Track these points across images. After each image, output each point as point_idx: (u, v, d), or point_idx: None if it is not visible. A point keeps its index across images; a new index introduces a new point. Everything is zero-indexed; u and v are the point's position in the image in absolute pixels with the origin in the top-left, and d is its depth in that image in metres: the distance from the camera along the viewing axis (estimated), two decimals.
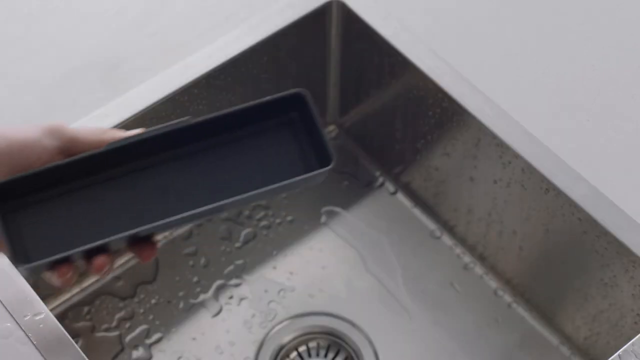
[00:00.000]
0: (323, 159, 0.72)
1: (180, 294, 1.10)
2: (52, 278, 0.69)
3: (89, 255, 0.69)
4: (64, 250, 0.68)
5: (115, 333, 1.07)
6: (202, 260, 1.12)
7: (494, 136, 1.00)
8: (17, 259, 0.68)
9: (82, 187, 0.72)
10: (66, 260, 0.68)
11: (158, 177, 0.71)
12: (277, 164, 0.74)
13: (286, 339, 1.08)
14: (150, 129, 0.72)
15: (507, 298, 1.10)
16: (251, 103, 0.73)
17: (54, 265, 0.68)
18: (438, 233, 1.15)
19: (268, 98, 0.73)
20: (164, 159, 0.73)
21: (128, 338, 1.07)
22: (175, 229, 0.69)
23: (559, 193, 0.96)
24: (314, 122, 0.73)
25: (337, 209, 1.17)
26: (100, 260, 0.69)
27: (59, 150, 0.70)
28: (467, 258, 1.13)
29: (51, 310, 0.99)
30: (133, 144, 0.71)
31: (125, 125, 0.98)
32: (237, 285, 1.11)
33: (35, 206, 0.70)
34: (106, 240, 0.68)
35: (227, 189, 0.72)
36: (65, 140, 0.70)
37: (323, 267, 1.13)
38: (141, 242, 0.71)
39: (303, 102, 0.73)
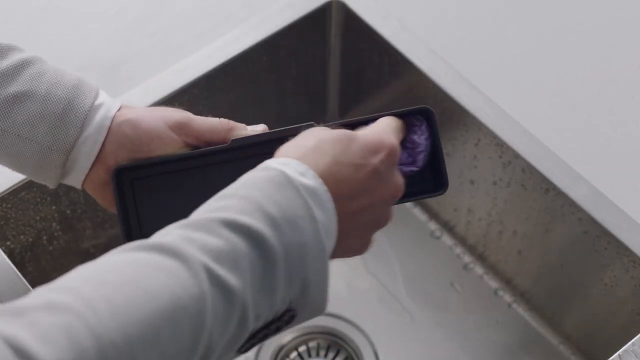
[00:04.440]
0: (437, 181, 0.74)
1: None
2: None
3: None
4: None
5: None
6: None
7: (494, 136, 1.00)
8: (128, 234, 0.74)
9: (197, 167, 0.75)
10: None
11: None
12: None
13: (286, 339, 1.08)
14: (274, 130, 0.74)
15: (507, 298, 1.10)
16: (376, 115, 0.75)
17: None
18: (438, 233, 1.15)
19: (396, 111, 0.75)
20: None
21: None
22: None
23: (559, 193, 0.96)
24: (436, 141, 0.74)
25: None
26: None
27: (185, 143, 0.74)
28: (467, 258, 1.13)
29: None
30: (256, 143, 0.74)
31: None
32: None
33: (151, 185, 0.75)
34: None
35: None
36: (191, 136, 0.74)
37: None
38: None
39: (429, 118, 0.74)
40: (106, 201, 0.75)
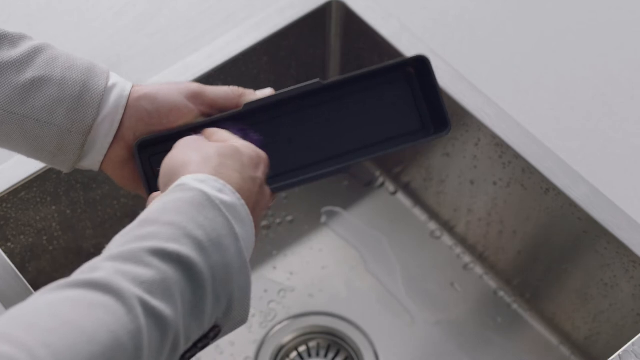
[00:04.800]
0: (439, 122, 0.78)
1: None
2: None
3: None
4: None
5: None
6: None
7: (494, 136, 1.00)
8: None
9: None
10: None
11: (284, 127, 0.77)
12: (395, 119, 0.79)
13: (286, 339, 1.08)
14: (282, 91, 0.77)
15: (507, 298, 1.10)
16: (377, 67, 0.78)
17: None
18: (438, 233, 1.15)
19: (392, 62, 0.78)
20: (291, 111, 0.79)
21: None
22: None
23: (559, 193, 0.96)
24: (434, 86, 0.77)
25: (337, 209, 1.17)
26: None
27: (200, 112, 0.76)
28: (467, 258, 1.13)
29: None
30: (266, 105, 0.77)
31: None
32: None
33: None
34: None
35: (348, 141, 0.78)
36: (206, 105, 0.76)
37: (323, 267, 1.13)
38: None
39: (424, 66, 0.78)
40: (125, 180, 0.76)
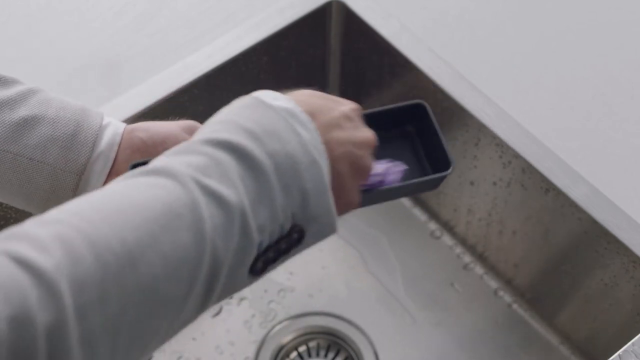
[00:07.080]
0: (442, 164, 0.76)
1: None
2: None
3: None
4: None
5: None
6: None
7: (494, 136, 1.00)
8: None
9: None
10: None
11: None
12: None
13: (286, 339, 1.08)
14: None
15: (507, 298, 1.10)
16: (374, 110, 0.76)
17: None
18: (438, 233, 1.15)
19: (391, 106, 0.77)
20: None
21: None
22: None
23: (559, 193, 0.96)
24: (435, 131, 0.76)
25: None
26: None
27: None
28: (467, 258, 1.13)
29: None
30: None
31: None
32: None
33: None
34: None
35: None
36: None
37: (323, 267, 1.13)
38: None
39: (424, 113, 0.77)
40: None
